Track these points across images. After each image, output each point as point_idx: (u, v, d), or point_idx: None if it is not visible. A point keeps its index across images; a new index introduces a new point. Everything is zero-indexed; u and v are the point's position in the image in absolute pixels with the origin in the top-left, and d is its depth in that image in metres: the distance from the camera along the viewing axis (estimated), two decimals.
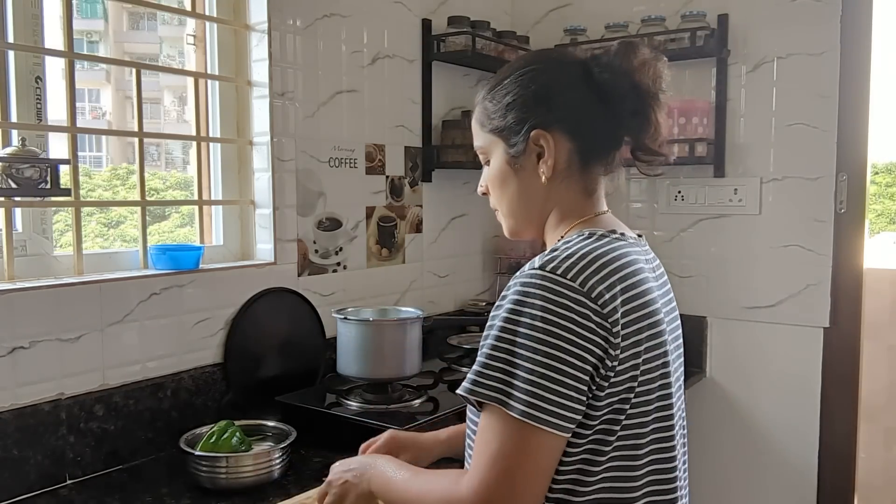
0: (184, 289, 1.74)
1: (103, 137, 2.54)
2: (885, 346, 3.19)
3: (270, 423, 1.66)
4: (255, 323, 1.90)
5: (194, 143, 1.98)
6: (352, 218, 2.20)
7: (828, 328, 2.30)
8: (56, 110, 1.64)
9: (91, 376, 1.57)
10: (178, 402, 1.72)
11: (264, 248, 1.98)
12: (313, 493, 1.39)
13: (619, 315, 0.93)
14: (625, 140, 1.07)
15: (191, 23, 1.98)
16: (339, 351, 1.84)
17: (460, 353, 2.23)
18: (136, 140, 1.76)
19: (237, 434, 1.52)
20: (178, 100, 2.69)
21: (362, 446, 1.34)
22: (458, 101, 2.57)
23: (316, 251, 2.09)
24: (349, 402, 1.77)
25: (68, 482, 1.51)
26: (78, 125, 1.64)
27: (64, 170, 1.59)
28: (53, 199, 1.59)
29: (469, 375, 0.94)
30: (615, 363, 0.92)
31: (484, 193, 1.16)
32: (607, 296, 0.92)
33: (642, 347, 0.95)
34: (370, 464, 1.16)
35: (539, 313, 0.90)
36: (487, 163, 1.13)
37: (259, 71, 1.95)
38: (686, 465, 1.10)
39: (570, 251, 0.96)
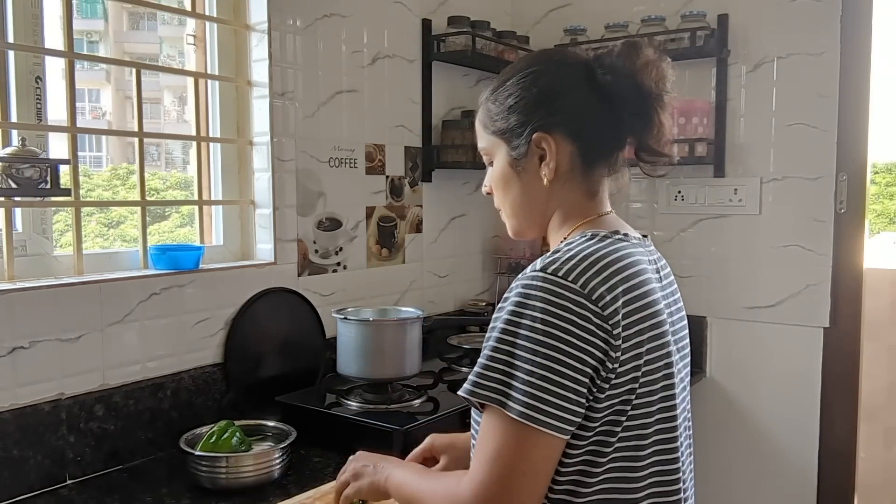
0: (184, 289, 1.74)
1: (103, 137, 2.54)
2: (885, 346, 3.19)
3: (270, 423, 1.66)
4: (255, 323, 1.90)
5: (194, 143, 1.98)
6: (352, 218, 2.20)
7: (828, 328, 2.30)
8: (56, 110, 1.64)
9: (91, 376, 1.57)
10: (178, 402, 1.72)
11: (264, 248, 1.98)
12: (313, 493, 1.39)
13: (620, 317, 0.92)
14: (628, 141, 1.07)
15: (191, 23, 1.98)
16: (339, 351, 1.84)
17: (460, 353, 2.23)
18: (136, 140, 1.76)
19: (237, 434, 1.52)
20: (178, 100, 2.69)
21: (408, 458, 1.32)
22: (458, 101, 2.57)
23: (316, 251, 2.09)
24: (349, 402, 1.77)
25: (68, 482, 1.51)
26: (78, 125, 1.64)
27: (64, 170, 1.59)
28: (53, 199, 1.59)
29: (470, 377, 0.94)
30: (616, 364, 0.92)
31: (488, 193, 1.16)
32: (608, 297, 0.92)
33: (644, 349, 0.95)
34: (391, 464, 1.17)
35: (539, 315, 0.90)
36: (491, 163, 1.13)
37: (259, 71, 1.95)
38: (692, 466, 1.10)
39: (571, 253, 0.96)
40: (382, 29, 2.28)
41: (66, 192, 1.58)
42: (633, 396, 0.95)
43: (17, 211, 1.58)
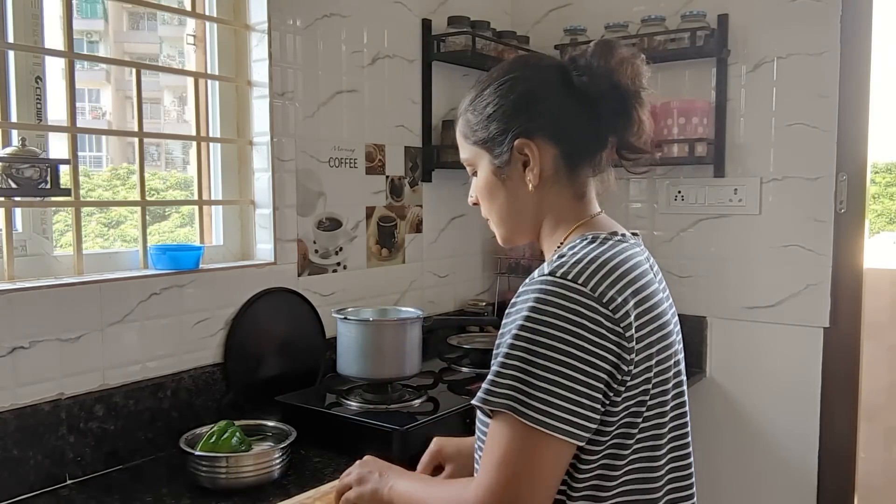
0: (184, 289, 1.74)
1: (103, 137, 2.54)
2: (885, 346, 3.19)
3: (270, 423, 1.66)
4: (255, 323, 1.90)
5: (194, 143, 1.98)
6: (352, 218, 2.20)
7: (828, 328, 2.30)
8: (56, 110, 1.64)
9: (91, 376, 1.57)
10: (178, 402, 1.72)
11: (264, 248, 1.98)
12: (313, 493, 1.39)
13: (631, 319, 0.92)
14: (610, 140, 1.07)
15: (191, 23, 1.98)
16: (339, 351, 1.84)
17: (460, 353, 2.22)
18: (136, 140, 1.76)
19: (237, 434, 1.52)
20: (178, 100, 2.69)
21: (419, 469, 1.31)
22: (457, 101, 2.54)
23: (316, 251, 2.09)
24: (349, 402, 1.77)
25: (68, 482, 1.51)
26: (78, 125, 1.64)
27: (64, 170, 1.59)
28: (53, 199, 1.59)
29: (483, 385, 0.93)
30: (630, 367, 0.92)
31: (475, 203, 1.16)
32: (619, 300, 0.92)
33: (654, 350, 0.95)
34: (396, 474, 1.17)
35: (551, 320, 0.90)
36: (475, 174, 1.13)
37: (259, 71, 1.95)
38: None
39: (577, 257, 0.96)
40: (382, 29, 2.28)
41: (66, 192, 1.58)
42: (648, 398, 0.95)
43: (17, 211, 1.58)
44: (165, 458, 1.65)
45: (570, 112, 1.04)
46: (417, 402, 1.79)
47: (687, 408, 1.03)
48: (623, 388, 0.92)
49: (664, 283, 1.10)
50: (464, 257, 2.68)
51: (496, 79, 1.08)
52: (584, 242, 1.00)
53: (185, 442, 1.52)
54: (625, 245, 1.02)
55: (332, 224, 2.14)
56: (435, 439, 1.34)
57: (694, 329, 2.46)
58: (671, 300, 1.10)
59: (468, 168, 1.14)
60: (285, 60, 1.97)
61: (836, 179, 2.26)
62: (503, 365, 0.91)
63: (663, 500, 0.99)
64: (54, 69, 1.64)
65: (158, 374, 1.69)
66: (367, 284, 2.25)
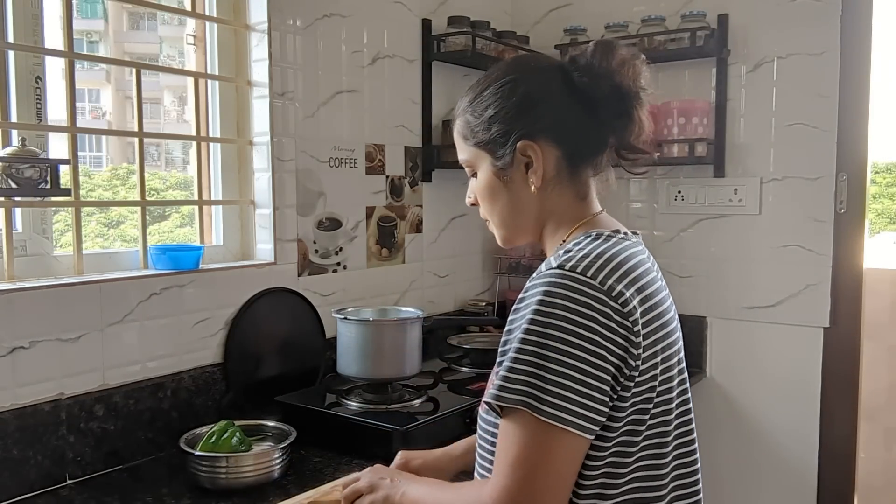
0: (184, 289, 1.74)
1: (103, 137, 2.54)
2: (885, 346, 3.19)
3: (270, 423, 1.66)
4: (255, 323, 1.90)
5: (194, 143, 1.98)
6: (352, 218, 2.20)
7: (828, 328, 2.30)
8: (56, 110, 1.64)
9: (91, 376, 1.57)
10: (178, 402, 1.72)
11: (264, 248, 1.98)
12: (313, 493, 1.39)
13: (638, 314, 0.93)
14: (610, 140, 1.07)
15: (191, 23, 1.98)
16: (339, 351, 1.84)
17: (460, 353, 2.22)
18: (136, 140, 1.76)
19: (237, 434, 1.52)
20: (178, 100, 2.69)
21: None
22: (457, 101, 2.55)
23: (316, 251, 2.09)
24: (349, 402, 1.77)
25: (68, 482, 1.51)
26: (78, 125, 1.64)
27: (64, 170, 1.59)
28: (53, 199, 1.59)
29: (495, 382, 0.92)
30: (637, 362, 0.92)
31: (473, 204, 1.15)
32: (627, 294, 0.92)
33: (659, 347, 0.96)
34: (407, 479, 1.16)
35: (561, 312, 0.89)
36: (474, 175, 1.12)
37: (259, 71, 1.95)
38: None
39: (584, 251, 0.96)
40: (382, 29, 2.28)
41: (66, 192, 1.58)
42: (654, 395, 0.95)
43: (17, 211, 1.58)
44: (165, 458, 1.65)
45: (571, 113, 1.04)
46: (417, 402, 1.79)
47: (691, 405, 1.03)
48: (631, 384, 0.92)
49: (664, 281, 1.10)
50: (464, 257, 2.68)
51: (496, 80, 1.07)
52: (589, 239, 1.00)
53: (185, 442, 1.52)
54: (628, 243, 1.02)
55: (332, 224, 2.14)
56: (400, 453, 1.34)
57: (694, 329, 2.46)
58: (671, 299, 1.11)
59: (467, 169, 1.13)
60: (285, 60, 1.97)
61: (836, 179, 2.26)
62: (515, 360, 0.90)
63: (668, 498, 0.99)
64: (54, 69, 1.64)
65: (158, 374, 1.69)
66: (367, 284, 2.25)
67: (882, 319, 3.17)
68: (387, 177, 2.32)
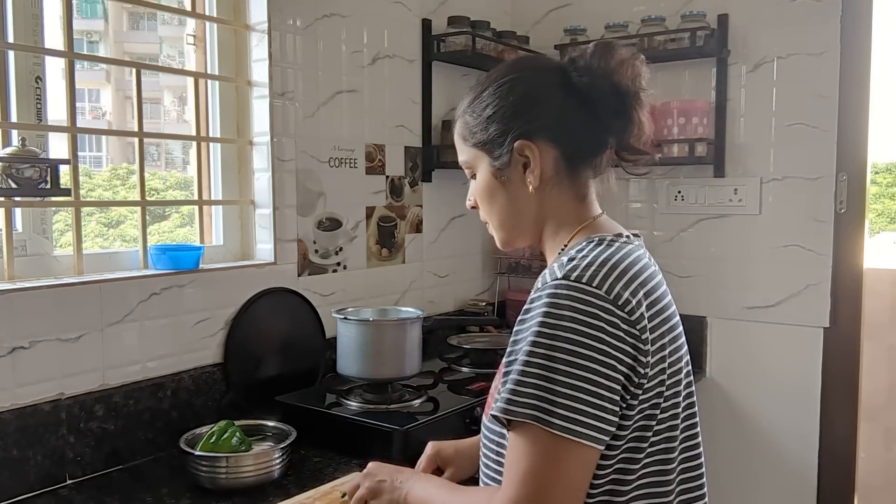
0: (184, 289, 1.74)
1: (103, 137, 2.54)
2: (885, 346, 3.19)
3: (270, 423, 1.66)
4: (255, 323, 1.90)
5: (194, 143, 1.98)
6: (352, 218, 2.20)
7: (828, 328, 2.30)
8: (56, 110, 1.64)
9: (91, 376, 1.57)
10: (178, 402, 1.72)
11: (264, 248, 1.98)
12: (313, 493, 1.39)
13: (646, 321, 0.92)
14: (610, 141, 1.06)
15: (191, 23, 1.98)
16: (339, 351, 1.84)
17: (460, 353, 2.22)
18: (136, 140, 1.76)
19: (237, 434, 1.52)
20: (178, 100, 2.69)
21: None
22: (457, 101, 2.54)
23: (316, 251, 2.09)
24: (349, 402, 1.77)
25: (68, 482, 1.51)
26: (78, 125, 1.64)
27: (64, 170, 1.59)
28: (53, 199, 1.59)
29: (502, 395, 0.90)
30: (646, 370, 0.91)
31: (473, 207, 1.14)
32: (633, 302, 0.92)
33: (667, 351, 0.95)
34: (412, 478, 1.15)
35: (568, 324, 0.88)
36: (474, 176, 1.11)
37: (259, 71, 1.95)
38: None
39: (588, 259, 0.95)
40: (382, 29, 2.28)
41: (66, 192, 1.58)
42: (662, 400, 0.94)
43: (17, 211, 1.58)
44: (165, 458, 1.65)
45: (570, 113, 1.03)
46: (417, 402, 1.79)
47: (697, 408, 1.03)
48: (640, 392, 0.91)
49: (665, 283, 1.10)
50: (464, 257, 2.68)
51: (495, 80, 1.07)
52: (592, 245, 0.99)
53: (185, 442, 1.52)
54: (631, 247, 1.01)
55: (332, 224, 2.14)
56: (431, 443, 1.33)
57: (694, 329, 2.46)
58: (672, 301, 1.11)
59: (466, 171, 1.13)
60: (285, 60, 1.97)
61: (836, 179, 2.26)
62: (523, 373, 0.89)
63: (675, 502, 0.99)
64: (54, 69, 1.64)
65: (158, 374, 1.69)
66: (367, 284, 2.25)
67: (882, 319, 3.17)
68: (387, 177, 2.32)
